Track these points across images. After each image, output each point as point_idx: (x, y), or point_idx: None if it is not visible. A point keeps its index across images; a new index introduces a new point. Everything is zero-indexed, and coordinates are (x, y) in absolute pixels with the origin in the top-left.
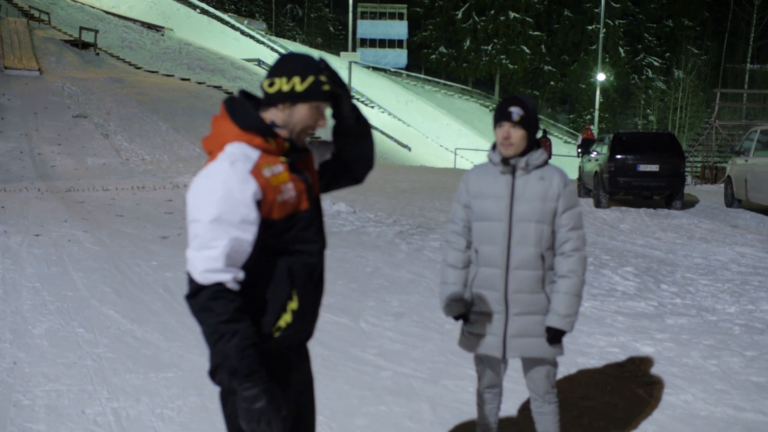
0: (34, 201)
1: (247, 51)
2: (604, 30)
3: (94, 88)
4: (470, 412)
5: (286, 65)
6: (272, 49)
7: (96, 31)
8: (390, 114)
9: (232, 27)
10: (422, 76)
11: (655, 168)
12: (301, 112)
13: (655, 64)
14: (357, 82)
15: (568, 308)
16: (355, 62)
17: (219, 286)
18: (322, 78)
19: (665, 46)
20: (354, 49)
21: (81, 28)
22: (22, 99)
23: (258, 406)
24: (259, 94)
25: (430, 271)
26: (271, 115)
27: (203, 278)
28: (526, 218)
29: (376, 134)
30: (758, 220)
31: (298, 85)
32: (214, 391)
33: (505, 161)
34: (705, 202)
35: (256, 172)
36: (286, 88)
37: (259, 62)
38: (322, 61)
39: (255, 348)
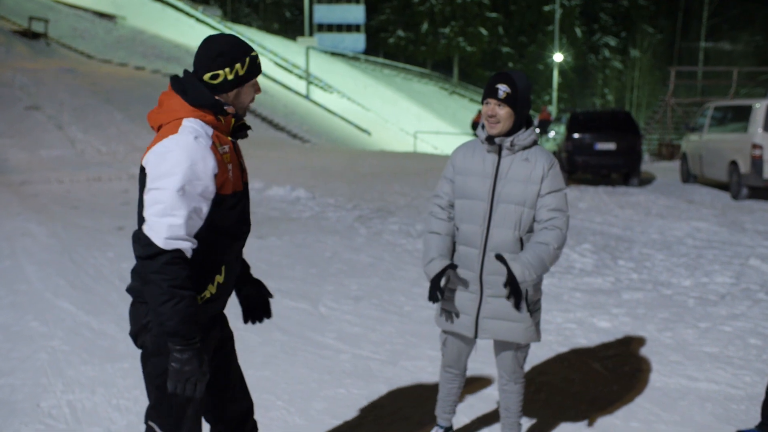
0: None
1: (202, 38)
2: (561, 10)
3: (46, 79)
4: (428, 392)
5: (224, 55)
6: None
7: (46, 21)
8: (349, 99)
9: (187, 14)
10: (381, 60)
11: (612, 146)
12: (246, 90)
13: (612, 43)
14: (315, 68)
15: (532, 260)
16: (313, 47)
17: (178, 253)
18: (253, 54)
19: (621, 25)
20: (311, 34)
21: (31, 18)
22: None
23: (188, 369)
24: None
25: (389, 254)
26: (220, 98)
27: (166, 244)
28: (508, 200)
29: (335, 120)
30: (713, 195)
31: (240, 70)
32: None
33: (490, 140)
34: (662, 179)
35: (213, 148)
36: (231, 76)
37: None
38: None
39: (195, 315)
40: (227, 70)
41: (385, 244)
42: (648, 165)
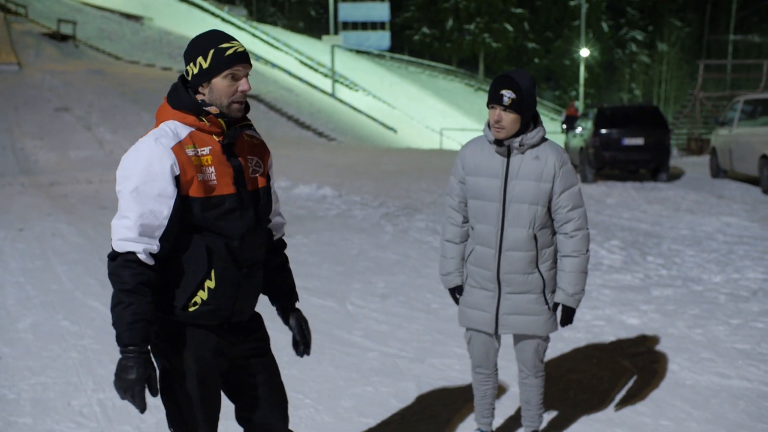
0: (17, 196)
1: None
2: (587, 5)
3: (75, 81)
4: (457, 390)
5: (190, 50)
6: (254, 35)
7: (74, 23)
8: (374, 97)
9: (213, 14)
10: (406, 57)
11: (640, 141)
12: (218, 85)
13: (639, 37)
14: (340, 66)
15: (575, 286)
16: (338, 46)
17: (130, 255)
18: (223, 45)
19: (648, 19)
20: (336, 33)
21: (59, 20)
22: (1, 94)
23: (128, 377)
24: None
25: (416, 251)
26: (201, 97)
27: (117, 246)
28: (520, 199)
29: (361, 117)
30: (743, 190)
31: (204, 63)
32: None
33: (498, 142)
34: (691, 174)
35: (177, 148)
36: (195, 70)
37: None
38: None
39: (146, 324)
40: (192, 65)
41: (412, 242)
42: (677, 160)
